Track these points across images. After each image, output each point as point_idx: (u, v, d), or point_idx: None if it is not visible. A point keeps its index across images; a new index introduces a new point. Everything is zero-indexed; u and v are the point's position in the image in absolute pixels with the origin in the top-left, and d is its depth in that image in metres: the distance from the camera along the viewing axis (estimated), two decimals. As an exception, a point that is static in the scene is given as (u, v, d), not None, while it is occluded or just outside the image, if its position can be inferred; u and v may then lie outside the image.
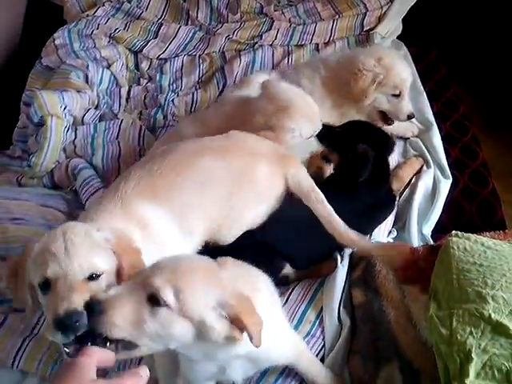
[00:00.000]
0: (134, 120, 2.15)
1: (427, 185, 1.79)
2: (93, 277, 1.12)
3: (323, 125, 1.68)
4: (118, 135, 2.08)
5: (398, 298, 1.35)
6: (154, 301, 0.96)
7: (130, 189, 1.38)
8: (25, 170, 1.96)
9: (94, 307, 0.98)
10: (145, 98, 2.31)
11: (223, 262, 1.28)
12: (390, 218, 1.69)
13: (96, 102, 2.26)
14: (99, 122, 2.15)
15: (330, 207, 1.50)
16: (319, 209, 1.50)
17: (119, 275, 1.17)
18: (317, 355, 1.36)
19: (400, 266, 1.40)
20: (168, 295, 0.95)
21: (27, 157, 1.98)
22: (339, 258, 1.51)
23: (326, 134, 1.68)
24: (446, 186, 1.78)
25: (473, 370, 1.07)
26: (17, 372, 1.43)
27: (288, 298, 1.46)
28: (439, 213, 1.72)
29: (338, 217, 1.48)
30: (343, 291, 1.45)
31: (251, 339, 0.97)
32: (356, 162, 1.57)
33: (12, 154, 2.11)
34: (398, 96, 1.86)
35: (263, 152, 1.53)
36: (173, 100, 2.23)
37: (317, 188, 1.53)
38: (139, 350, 1.00)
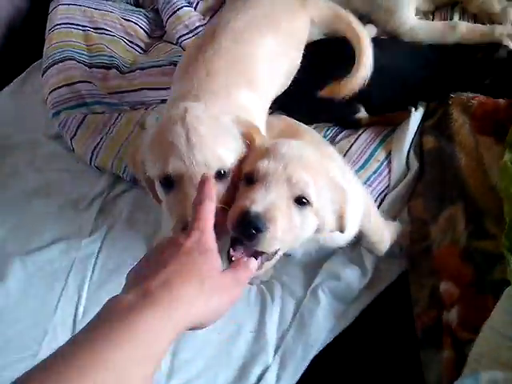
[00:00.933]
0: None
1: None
2: (220, 174, 0.93)
3: None
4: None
5: (472, 146, 1.36)
6: (300, 201, 0.90)
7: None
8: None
9: (257, 225, 0.84)
10: None
11: (294, 129, 1.29)
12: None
13: None
14: None
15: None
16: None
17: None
18: (381, 193, 1.41)
19: (478, 117, 1.40)
20: (313, 194, 0.91)
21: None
22: (413, 109, 1.50)
23: None
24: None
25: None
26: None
27: (358, 137, 1.49)
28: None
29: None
30: (414, 137, 1.46)
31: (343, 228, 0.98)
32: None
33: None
34: None
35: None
36: None
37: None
38: (276, 258, 0.93)
